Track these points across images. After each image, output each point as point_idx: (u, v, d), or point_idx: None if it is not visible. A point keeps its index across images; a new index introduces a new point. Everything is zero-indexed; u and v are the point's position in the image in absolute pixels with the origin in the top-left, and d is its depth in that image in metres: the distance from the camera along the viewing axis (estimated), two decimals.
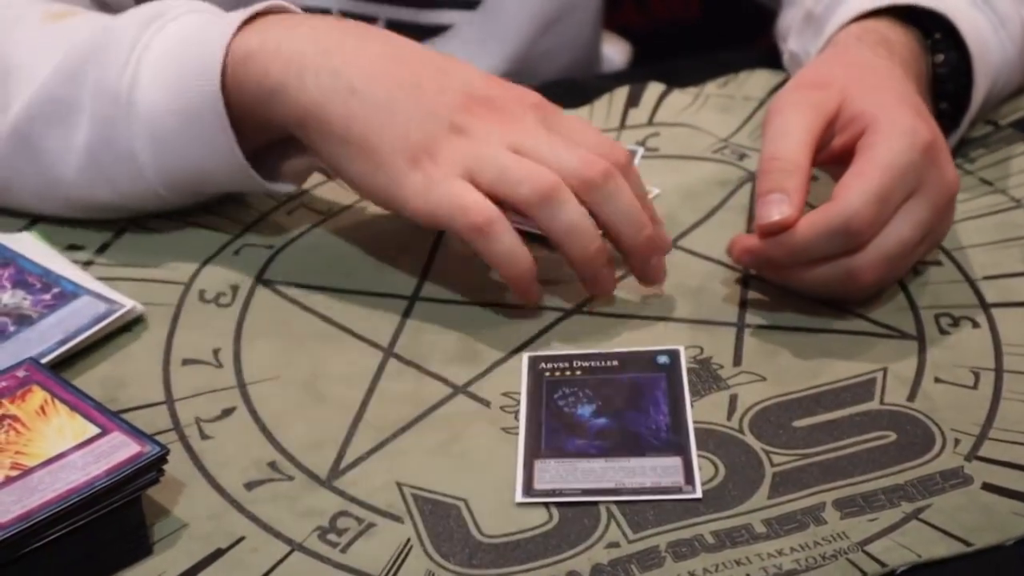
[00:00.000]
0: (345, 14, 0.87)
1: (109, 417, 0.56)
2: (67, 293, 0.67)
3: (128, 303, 0.67)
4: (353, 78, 0.65)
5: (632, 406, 0.62)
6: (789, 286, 0.67)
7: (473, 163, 0.64)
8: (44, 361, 0.62)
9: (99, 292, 0.67)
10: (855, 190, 0.63)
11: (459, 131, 0.64)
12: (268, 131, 0.69)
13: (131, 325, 0.67)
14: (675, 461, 0.59)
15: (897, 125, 0.65)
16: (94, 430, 0.55)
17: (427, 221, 0.64)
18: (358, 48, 0.66)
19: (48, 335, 0.65)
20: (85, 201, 0.72)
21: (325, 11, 0.87)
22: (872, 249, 0.64)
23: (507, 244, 0.64)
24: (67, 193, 0.72)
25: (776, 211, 0.63)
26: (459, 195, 0.63)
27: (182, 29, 0.69)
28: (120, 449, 0.55)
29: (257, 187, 0.70)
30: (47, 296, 0.67)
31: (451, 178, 0.64)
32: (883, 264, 0.64)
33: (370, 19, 0.88)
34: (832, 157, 0.68)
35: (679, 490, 0.57)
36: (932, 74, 0.75)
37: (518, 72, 0.91)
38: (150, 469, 0.55)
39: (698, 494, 0.57)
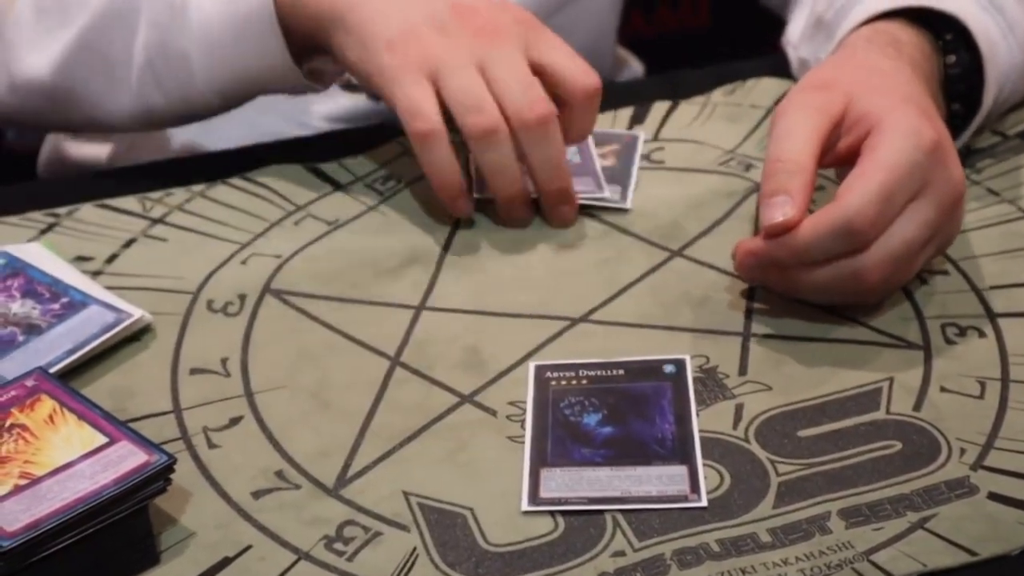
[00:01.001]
0: None
1: (117, 426, 0.56)
2: (76, 303, 0.67)
3: (136, 312, 0.67)
4: None
5: (638, 415, 0.62)
6: (796, 295, 0.67)
7: (440, 68, 0.71)
8: (53, 370, 0.63)
9: (107, 301, 0.68)
10: (857, 190, 0.63)
11: (440, 28, 0.72)
12: (305, 36, 0.76)
13: (139, 334, 0.68)
14: (680, 470, 0.59)
15: (901, 125, 0.65)
16: (102, 439, 0.56)
17: (388, 106, 0.72)
18: None
19: (57, 344, 0.65)
20: (134, 108, 0.80)
21: None
22: (877, 249, 0.64)
23: (439, 156, 0.71)
24: (124, 99, 0.80)
25: (779, 212, 0.64)
26: (416, 99, 0.71)
27: None
28: (128, 458, 0.55)
29: (298, 84, 0.78)
30: (56, 306, 0.67)
31: (417, 76, 0.71)
32: (888, 264, 0.64)
33: None
34: (838, 159, 0.68)
35: (684, 499, 0.58)
36: (944, 75, 0.75)
37: None
38: (158, 478, 0.55)
39: (703, 503, 0.57)
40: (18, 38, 0.81)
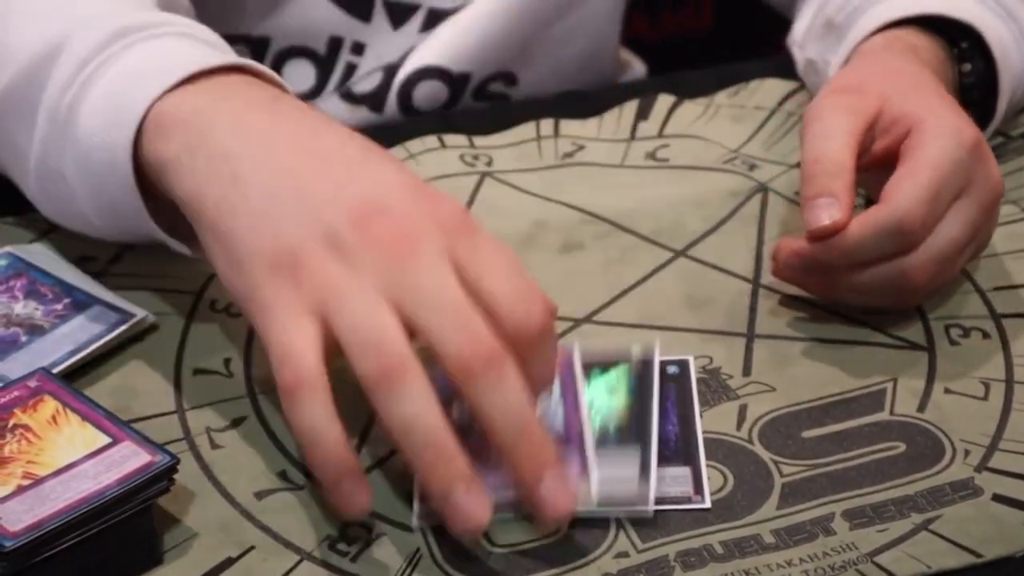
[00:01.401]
0: (387, 4, 0.88)
1: (120, 427, 0.56)
2: (79, 303, 0.67)
3: (139, 312, 0.67)
4: (242, 163, 0.57)
5: None
6: (834, 297, 0.66)
7: (332, 301, 0.53)
8: (56, 371, 0.62)
9: (110, 302, 0.68)
10: (906, 189, 0.63)
11: (335, 247, 0.53)
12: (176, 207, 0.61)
13: (142, 335, 0.67)
14: (684, 471, 0.59)
15: (943, 124, 0.65)
16: (105, 440, 0.56)
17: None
18: (268, 129, 0.58)
19: (60, 345, 0.65)
20: (41, 208, 0.69)
21: (367, 2, 0.88)
22: (924, 249, 0.63)
23: (309, 415, 0.52)
24: (34, 189, 0.67)
25: (826, 215, 0.63)
26: (287, 341, 0.53)
27: (138, 60, 0.63)
28: (131, 459, 0.55)
29: (165, 241, 0.64)
30: (59, 306, 0.67)
31: (297, 312, 0.53)
32: (934, 264, 0.64)
33: (412, 8, 0.89)
34: (875, 161, 0.67)
35: (688, 500, 0.57)
36: (958, 83, 0.75)
37: (535, 55, 0.91)
38: (161, 478, 0.55)
39: (707, 504, 0.57)
40: None
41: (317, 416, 0.52)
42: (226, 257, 0.56)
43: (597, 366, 0.62)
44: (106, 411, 0.57)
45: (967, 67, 0.75)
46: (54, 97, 0.64)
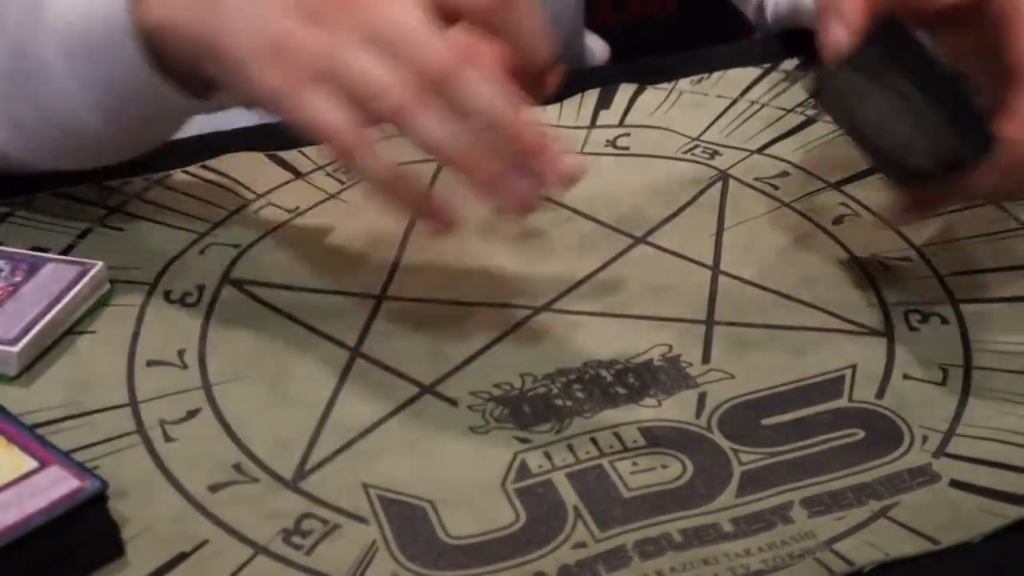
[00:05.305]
0: None
1: (48, 449, 0.55)
2: (33, 266, 0.67)
3: (96, 263, 0.67)
4: None
5: None
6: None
7: (327, 65, 0.59)
8: (48, 318, 0.63)
9: (64, 258, 0.68)
10: None
11: (309, 15, 0.60)
12: (184, 64, 0.64)
13: (95, 326, 0.67)
14: None
15: None
16: (32, 464, 0.54)
17: (296, 130, 0.61)
18: None
19: (34, 300, 0.65)
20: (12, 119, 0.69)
21: None
22: None
23: (372, 168, 0.60)
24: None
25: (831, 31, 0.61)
26: (316, 116, 0.59)
27: None
28: (58, 484, 0.53)
29: (175, 103, 0.67)
30: (15, 277, 0.66)
31: (307, 88, 0.59)
32: None
33: None
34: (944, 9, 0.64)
35: None
36: None
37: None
38: (88, 507, 0.53)
39: None
40: None
41: (374, 167, 0.60)
42: (232, 73, 0.62)
43: None
44: (33, 432, 0.56)
45: None
46: None
